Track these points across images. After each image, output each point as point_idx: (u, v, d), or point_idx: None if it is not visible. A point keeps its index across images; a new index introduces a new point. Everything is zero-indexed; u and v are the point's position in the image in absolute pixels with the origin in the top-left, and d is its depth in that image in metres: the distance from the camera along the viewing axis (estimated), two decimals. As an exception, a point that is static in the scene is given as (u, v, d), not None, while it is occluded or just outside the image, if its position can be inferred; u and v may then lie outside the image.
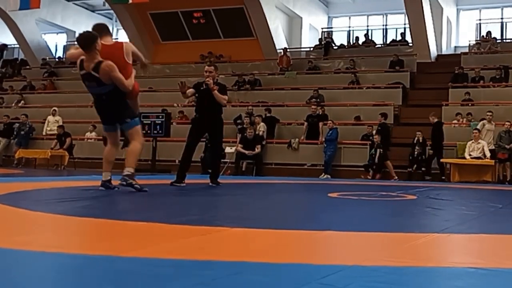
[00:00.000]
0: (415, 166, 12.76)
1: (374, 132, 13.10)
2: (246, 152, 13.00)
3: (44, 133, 16.08)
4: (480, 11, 20.86)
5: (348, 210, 4.74)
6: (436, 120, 12.92)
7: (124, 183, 5.36)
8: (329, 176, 12.70)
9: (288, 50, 19.08)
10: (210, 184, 7.10)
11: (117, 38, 25.88)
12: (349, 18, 22.75)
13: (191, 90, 7.27)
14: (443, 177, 12.26)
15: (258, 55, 19.36)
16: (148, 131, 12.92)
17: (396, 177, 12.34)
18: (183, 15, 20.42)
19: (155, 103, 16.21)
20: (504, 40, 19.54)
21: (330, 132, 13.21)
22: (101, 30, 5.60)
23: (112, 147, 5.73)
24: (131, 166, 5.52)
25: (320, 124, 13.88)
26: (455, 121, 13.99)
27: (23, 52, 23.50)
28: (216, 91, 6.95)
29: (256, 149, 13.10)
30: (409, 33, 18.53)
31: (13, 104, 19.06)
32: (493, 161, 11.88)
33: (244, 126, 13.60)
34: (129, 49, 5.63)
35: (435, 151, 12.61)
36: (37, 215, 3.50)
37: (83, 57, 5.40)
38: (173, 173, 6.83)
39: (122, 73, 5.30)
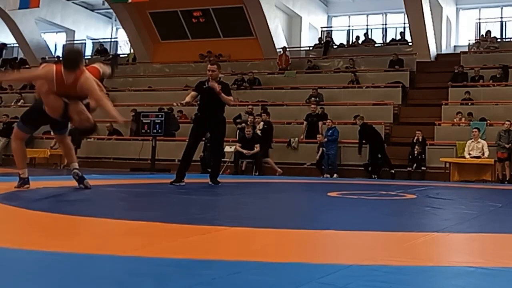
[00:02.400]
0: (414, 165, 12.77)
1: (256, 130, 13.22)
2: (244, 151, 12.98)
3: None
4: (479, 10, 20.85)
5: (348, 210, 4.74)
6: (362, 122, 13.06)
7: (79, 174, 5.44)
8: (336, 175, 12.77)
9: (287, 49, 19.08)
10: (210, 183, 7.04)
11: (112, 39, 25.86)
12: (349, 17, 22.75)
13: (191, 95, 7.15)
14: (392, 171, 12.59)
15: (257, 55, 19.36)
16: (148, 131, 12.92)
17: (281, 171, 12.63)
18: (183, 14, 20.41)
19: (155, 102, 16.22)
20: (504, 39, 19.54)
21: (331, 131, 13.21)
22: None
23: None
24: (76, 161, 5.63)
25: (320, 123, 13.88)
26: (454, 120, 13.99)
27: (23, 51, 23.50)
28: (222, 94, 6.91)
29: (255, 148, 13.08)
30: (408, 32, 18.52)
31: (13, 103, 19.07)
32: (493, 160, 11.89)
33: (248, 123, 13.59)
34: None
35: (380, 151, 12.72)
36: (37, 215, 3.49)
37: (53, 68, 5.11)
38: (173, 173, 6.82)
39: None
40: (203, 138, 13.49)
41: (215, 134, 7.25)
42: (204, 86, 7.00)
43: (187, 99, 7.10)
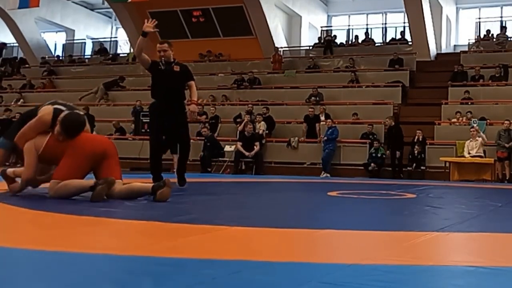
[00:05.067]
0: (414, 164, 12.77)
1: None
2: (246, 153, 13.00)
3: None
4: (479, 9, 20.87)
5: (348, 209, 4.74)
6: (393, 123, 13.00)
7: None
8: (328, 175, 12.71)
9: (281, 48, 19.15)
10: (177, 184, 6.05)
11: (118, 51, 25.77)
12: (349, 16, 22.76)
13: (148, 58, 6.05)
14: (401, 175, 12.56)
15: (257, 54, 19.36)
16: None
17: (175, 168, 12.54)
18: (183, 13, 20.41)
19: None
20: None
21: (330, 130, 13.21)
22: None
23: None
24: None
25: (317, 125, 13.88)
26: (454, 120, 13.99)
27: (22, 50, 23.49)
28: (194, 94, 6.12)
29: (254, 147, 13.11)
30: (408, 31, 18.53)
31: (12, 103, 19.05)
32: (492, 159, 11.89)
33: (247, 121, 13.62)
34: None
35: (393, 152, 12.74)
36: (37, 214, 3.49)
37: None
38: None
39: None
40: (202, 138, 13.69)
41: (178, 126, 6.14)
42: (159, 67, 6.03)
43: (144, 56, 5.99)
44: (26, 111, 5.35)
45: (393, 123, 13.06)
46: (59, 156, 4.47)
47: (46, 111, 4.65)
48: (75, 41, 25.21)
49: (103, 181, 4.26)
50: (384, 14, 22.18)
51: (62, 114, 4.57)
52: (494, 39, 18.35)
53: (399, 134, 12.94)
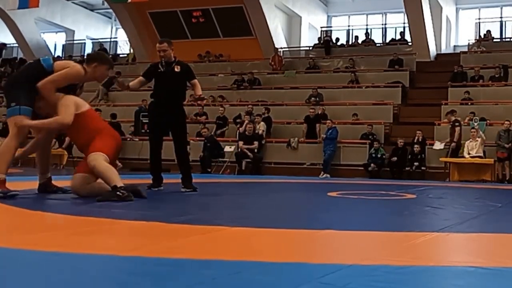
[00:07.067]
0: (415, 164, 12.74)
1: None
2: (249, 153, 13.02)
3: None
4: (479, 10, 20.88)
5: (348, 209, 4.74)
6: (403, 144, 12.97)
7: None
8: (328, 175, 12.71)
9: (281, 49, 19.13)
10: (182, 188, 5.88)
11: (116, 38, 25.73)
12: (349, 17, 22.77)
13: (139, 80, 6.00)
14: None
15: (257, 54, 19.36)
16: (148, 130, 12.95)
17: (121, 165, 12.42)
18: (182, 14, 20.41)
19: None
20: (504, 39, 19.55)
21: (330, 131, 13.21)
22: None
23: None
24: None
25: (318, 125, 13.88)
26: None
27: (22, 51, 23.49)
28: (199, 90, 5.95)
29: (253, 144, 13.18)
30: (408, 32, 18.53)
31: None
32: (492, 160, 11.89)
33: (248, 122, 13.63)
34: None
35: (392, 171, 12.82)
36: (37, 214, 3.50)
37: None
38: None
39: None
40: (202, 138, 13.69)
41: (176, 127, 6.07)
42: (159, 70, 5.92)
43: (133, 84, 5.98)
44: (26, 65, 5.04)
45: (402, 144, 13.05)
46: (84, 131, 4.60)
47: (76, 66, 4.63)
48: (75, 42, 25.21)
49: (123, 195, 4.27)
50: (384, 15, 22.19)
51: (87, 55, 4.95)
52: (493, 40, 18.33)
53: (403, 159, 12.94)
